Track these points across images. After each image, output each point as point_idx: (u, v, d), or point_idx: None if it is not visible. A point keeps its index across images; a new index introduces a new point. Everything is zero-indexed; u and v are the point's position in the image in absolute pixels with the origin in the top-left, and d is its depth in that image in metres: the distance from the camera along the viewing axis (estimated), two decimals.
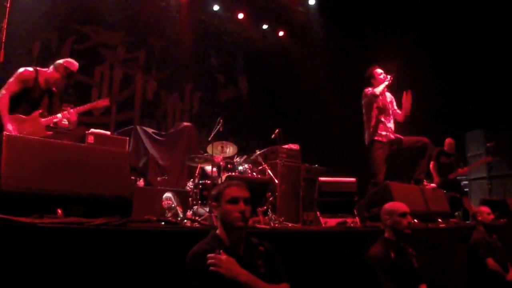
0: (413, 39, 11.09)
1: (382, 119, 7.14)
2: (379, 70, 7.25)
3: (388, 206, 4.43)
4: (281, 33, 14.40)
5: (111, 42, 12.23)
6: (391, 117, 7.28)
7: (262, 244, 3.02)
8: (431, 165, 9.45)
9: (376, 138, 7.05)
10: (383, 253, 4.10)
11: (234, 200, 2.87)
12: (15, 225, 2.64)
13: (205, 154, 8.08)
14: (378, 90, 6.95)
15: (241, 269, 2.69)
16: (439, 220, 6.83)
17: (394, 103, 7.43)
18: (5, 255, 2.51)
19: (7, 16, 4.79)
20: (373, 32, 12.03)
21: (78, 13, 11.07)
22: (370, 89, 7.09)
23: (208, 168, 8.08)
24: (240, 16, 13.51)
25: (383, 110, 7.18)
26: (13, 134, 3.47)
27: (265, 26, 14.26)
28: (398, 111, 7.34)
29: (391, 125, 7.22)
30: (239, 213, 2.84)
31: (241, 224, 2.85)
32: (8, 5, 4.87)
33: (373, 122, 7.15)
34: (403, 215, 4.23)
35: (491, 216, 6.38)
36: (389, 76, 7.10)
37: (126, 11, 11.66)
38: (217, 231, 2.95)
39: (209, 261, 2.63)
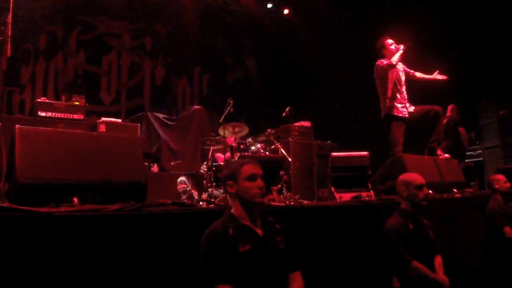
0: (422, 7, 10.95)
1: (398, 90, 7.07)
2: (389, 41, 7.12)
3: (404, 177, 4.37)
4: (286, 11, 14.27)
5: (117, 31, 12.22)
6: (405, 87, 7.21)
7: (278, 222, 3.06)
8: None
9: (393, 111, 6.98)
10: (401, 224, 4.08)
11: (252, 177, 2.91)
12: (33, 215, 2.68)
13: (217, 137, 8.10)
14: (394, 59, 6.80)
15: None
16: (454, 190, 6.80)
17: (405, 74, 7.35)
18: (24, 245, 2.55)
19: (11, 10, 4.76)
20: (380, 2, 11.87)
21: (82, 3, 11.09)
22: (384, 60, 7.01)
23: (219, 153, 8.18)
24: None
25: (398, 81, 7.10)
26: (24, 126, 3.48)
27: (269, 5, 14.14)
28: (417, 74, 7.35)
29: (405, 95, 7.15)
30: (258, 189, 2.89)
31: (260, 199, 2.91)
32: None
33: (389, 95, 7.04)
34: (420, 187, 4.18)
35: (508, 184, 6.34)
36: (402, 46, 7.00)
37: None
38: (232, 210, 2.97)
39: None
